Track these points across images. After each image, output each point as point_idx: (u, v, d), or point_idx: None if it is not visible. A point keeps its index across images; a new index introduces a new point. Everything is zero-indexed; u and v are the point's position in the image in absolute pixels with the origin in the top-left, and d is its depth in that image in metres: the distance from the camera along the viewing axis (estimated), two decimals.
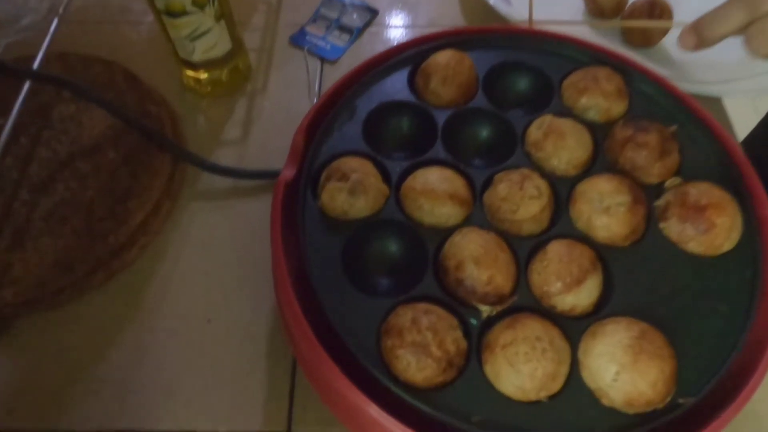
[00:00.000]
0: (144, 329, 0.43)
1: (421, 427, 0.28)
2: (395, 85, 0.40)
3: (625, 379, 0.28)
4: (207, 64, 0.51)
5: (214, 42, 0.49)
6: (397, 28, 0.60)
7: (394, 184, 0.36)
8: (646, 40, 0.53)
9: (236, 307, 0.44)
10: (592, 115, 0.39)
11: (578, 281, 0.31)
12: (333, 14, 0.60)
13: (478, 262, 0.31)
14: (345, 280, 0.32)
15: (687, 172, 0.36)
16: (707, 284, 0.32)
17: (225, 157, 0.51)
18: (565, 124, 0.37)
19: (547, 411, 0.29)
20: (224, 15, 0.48)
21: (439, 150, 0.37)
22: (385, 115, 0.39)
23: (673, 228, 0.34)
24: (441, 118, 0.39)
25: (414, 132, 0.39)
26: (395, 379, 0.29)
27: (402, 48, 0.42)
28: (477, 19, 0.60)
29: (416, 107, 0.39)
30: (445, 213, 0.34)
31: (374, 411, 0.28)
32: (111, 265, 0.44)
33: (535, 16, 0.45)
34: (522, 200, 0.34)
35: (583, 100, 0.38)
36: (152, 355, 0.42)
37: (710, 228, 0.32)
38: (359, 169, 0.34)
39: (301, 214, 0.34)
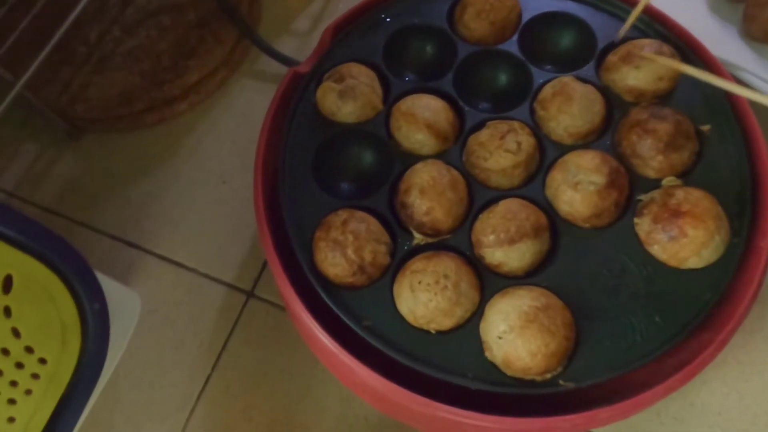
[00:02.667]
0: (172, 172, 0.50)
1: (323, 318, 0.31)
2: (434, 10, 0.40)
3: (509, 339, 0.29)
4: None
5: None
6: None
7: (391, 102, 0.37)
8: None
9: (248, 178, 0.49)
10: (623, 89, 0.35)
11: (511, 240, 0.31)
12: None
13: (423, 192, 0.32)
14: (310, 175, 0.35)
15: (695, 177, 0.33)
16: (654, 291, 0.31)
17: (287, 45, 0.54)
18: (579, 89, 0.34)
19: (430, 341, 0.30)
20: None
21: (447, 82, 0.37)
22: (410, 35, 0.39)
23: (644, 226, 0.31)
24: (463, 52, 0.38)
25: (435, 60, 0.39)
26: (313, 268, 0.33)
27: None
28: None
29: (442, 35, 0.39)
30: (419, 140, 0.35)
31: (288, 291, 0.32)
32: (163, 110, 0.51)
33: None
34: (496, 150, 0.33)
35: (615, 74, 0.35)
36: (172, 194, 0.49)
37: (679, 237, 0.30)
38: (359, 76, 0.36)
39: (295, 105, 0.37)
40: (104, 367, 0.30)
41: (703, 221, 0.30)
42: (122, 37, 0.52)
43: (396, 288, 0.31)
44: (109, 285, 0.35)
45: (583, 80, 0.36)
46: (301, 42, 0.55)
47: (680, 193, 0.31)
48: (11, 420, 0.25)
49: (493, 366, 0.30)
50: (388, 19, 0.39)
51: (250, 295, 0.45)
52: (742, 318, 0.30)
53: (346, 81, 0.35)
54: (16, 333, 0.25)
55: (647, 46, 0.35)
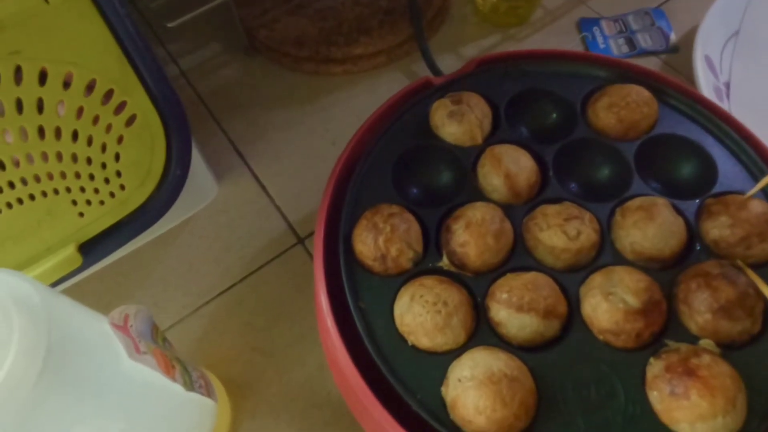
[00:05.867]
0: (300, 116, 0.57)
1: (331, 282, 0.34)
2: (577, 86, 0.41)
3: (466, 386, 0.29)
4: None
5: None
6: (676, 73, 0.56)
7: (490, 142, 0.39)
8: None
9: None
10: (715, 234, 0.34)
11: (519, 308, 0.31)
12: (635, 25, 0.58)
13: (468, 225, 0.34)
14: (390, 167, 0.38)
15: (737, 356, 0.30)
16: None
17: (446, 62, 0.59)
18: (665, 215, 0.34)
19: (402, 350, 0.32)
20: None
21: (550, 151, 0.38)
22: (541, 98, 0.41)
23: (655, 369, 0.30)
24: (579, 133, 0.39)
25: (552, 127, 0.41)
26: (348, 237, 0.36)
27: (614, 62, 0.42)
28: None
29: (570, 110, 0.40)
30: (493, 184, 0.36)
31: (318, 238, 0.36)
32: (320, 65, 0.58)
33: None
34: (554, 227, 0.34)
35: (707, 221, 0.34)
36: (290, 133, 0.56)
37: (681, 396, 0.28)
38: (474, 107, 0.39)
39: (411, 105, 0.41)
40: (159, 224, 0.36)
41: (712, 395, 0.28)
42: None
43: (401, 291, 0.34)
44: (201, 166, 0.41)
45: (679, 212, 0.35)
46: (459, 65, 0.59)
47: (706, 358, 0.29)
48: (81, 215, 0.32)
49: (442, 402, 0.31)
50: (531, 74, 0.42)
51: (300, 241, 0.50)
52: None
53: (460, 105, 0.38)
54: (117, 157, 0.32)
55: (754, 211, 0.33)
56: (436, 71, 0.55)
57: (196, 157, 0.39)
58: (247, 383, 0.44)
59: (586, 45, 0.58)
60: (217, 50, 0.62)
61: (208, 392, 0.37)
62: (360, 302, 0.34)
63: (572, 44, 0.59)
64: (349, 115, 0.57)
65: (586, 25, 0.59)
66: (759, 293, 0.31)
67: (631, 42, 0.57)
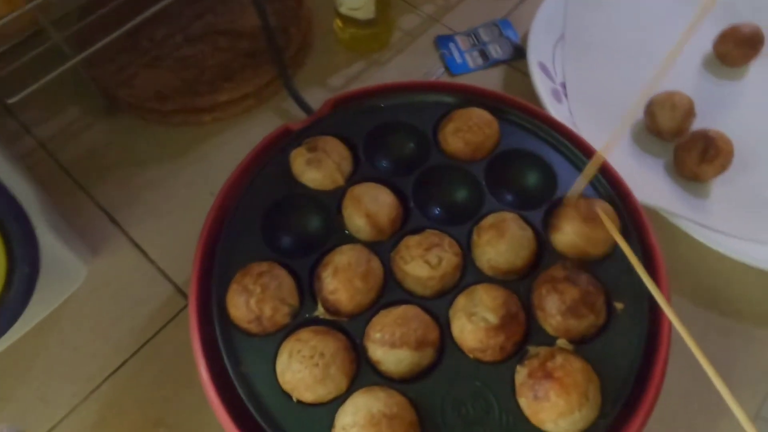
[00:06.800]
0: (176, 170, 0.55)
1: (211, 351, 0.34)
2: (427, 114, 0.43)
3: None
4: (349, 21, 0.59)
5: (358, 6, 0.56)
6: (525, 77, 0.60)
7: (352, 182, 0.40)
8: (696, 174, 0.47)
9: None
10: (561, 241, 0.37)
11: (392, 344, 0.33)
12: (485, 38, 0.62)
13: (336, 272, 0.35)
14: (258, 221, 0.39)
15: (588, 348, 0.34)
16: None
17: (315, 94, 0.59)
18: (513, 229, 0.36)
19: (288, 407, 0.33)
20: None
21: (408, 182, 0.40)
22: (396, 129, 0.43)
23: (521, 377, 0.33)
24: (434, 160, 0.41)
25: (410, 157, 0.43)
26: (221, 302, 0.36)
27: (458, 87, 0.44)
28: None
29: (423, 139, 0.42)
30: (357, 225, 0.38)
31: (192, 307, 0.36)
32: (188, 116, 0.57)
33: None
34: (417, 258, 0.36)
35: (552, 232, 0.37)
36: (167, 189, 0.54)
37: (543, 399, 0.31)
38: (330, 152, 0.40)
39: (272, 155, 0.41)
40: (29, 319, 0.34)
41: (567, 393, 0.31)
42: (182, 44, 0.59)
43: (280, 348, 0.34)
44: (61, 249, 0.39)
45: (529, 223, 0.38)
46: (328, 95, 0.60)
47: (560, 359, 0.32)
48: None
49: None
50: (384, 109, 0.43)
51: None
52: None
53: (316, 152, 0.39)
54: None
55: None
56: (305, 108, 0.56)
57: (53, 242, 0.37)
58: None
59: (445, 61, 0.61)
60: (76, 114, 0.59)
61: None
62: (241, 366, 0.34)
63: (432, 62, 0.62)
64: (224, 162, 0.55)
65: (442, 42, 0.62)
66: (599, 289, 0.35)
67: (484, 54, 0.61)
